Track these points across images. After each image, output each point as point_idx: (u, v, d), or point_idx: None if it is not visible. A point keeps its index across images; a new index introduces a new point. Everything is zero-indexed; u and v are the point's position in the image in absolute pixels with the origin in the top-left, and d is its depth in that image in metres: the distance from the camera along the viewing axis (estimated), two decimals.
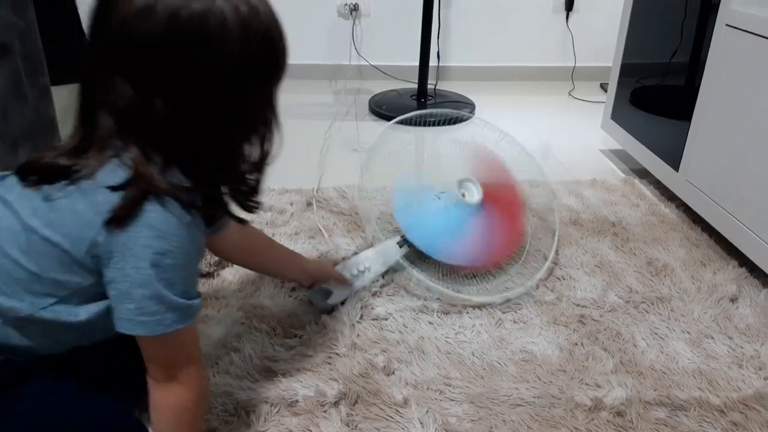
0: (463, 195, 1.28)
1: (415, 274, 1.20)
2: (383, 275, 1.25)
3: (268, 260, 1.10)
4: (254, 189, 0.75)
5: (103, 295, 0.69)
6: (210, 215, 0.74)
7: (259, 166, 0.74)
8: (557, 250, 1.38)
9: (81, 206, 0.65)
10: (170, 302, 0.67)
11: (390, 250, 1.25)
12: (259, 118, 0.71)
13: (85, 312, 0.70)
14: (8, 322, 0.69)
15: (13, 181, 0.71)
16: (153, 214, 0.64)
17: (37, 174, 0.68)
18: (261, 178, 0.75)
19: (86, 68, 0.66)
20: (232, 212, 0.76)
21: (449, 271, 1.25)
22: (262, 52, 0.67)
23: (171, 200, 0.66)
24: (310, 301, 1.16)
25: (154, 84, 0.63)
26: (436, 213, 1.27)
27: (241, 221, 0.79)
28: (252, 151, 0.72)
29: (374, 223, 1.31)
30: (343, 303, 1.16)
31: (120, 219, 0.64)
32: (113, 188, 0.64)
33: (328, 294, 1.14)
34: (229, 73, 0.65)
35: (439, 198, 1.27)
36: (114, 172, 0.65)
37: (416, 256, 1.27)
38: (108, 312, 0.69)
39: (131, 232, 0.64)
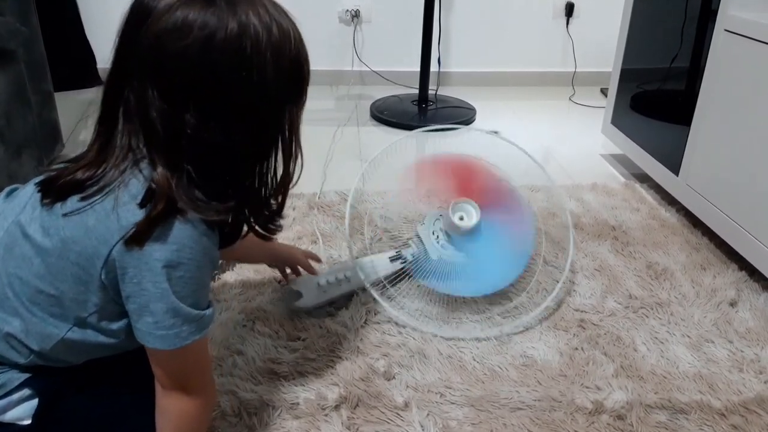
0: (461, 218, 1.20)
1: (387, 307, 1.15)
2: (364, 290, 1.19)
3: (238, 248, 1.08)
4: (276, 212, 0.76)
5: (125, 314, 0.69)
6: (225, 236, 0.73)
7: (282, 189, 0.74)
8: (555, 256, 1.38)
9: (92, 222, 0.65)
10: (185, 315, 0.67)
11: (378, 265, 1.21)
12: (283, 140, 0.71)
13: (110, 331, 0.71)
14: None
15: (24, 198, 0.71)
16: (168, 228, 0.64)
17: (55, 193, 0.67)
18: (283, 202, 0.76)
19: (110, 77, 0.66)
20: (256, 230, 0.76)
21: (462, 300, 1.21)
22: (291, 75, 0.68)
23: (190, 214, 0.65)
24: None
25: (185, 99, 0.63)
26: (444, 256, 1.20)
27: (266, 238, 0.79)
28: (275, 175, 0.73)
29: (347, 223, 1.29)
30: (314, 310, 1.15)
31: (141, 236, 0.63)
32: (137, 205, 0.64)
33: (298, 296, 1.13)
34: (259, 94, 0.65)
35: (437, 238, 1.22)
36: (132, 186, 0.65)
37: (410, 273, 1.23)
38: (131, 329, 0.69)
39: (146, 246, 0.63)
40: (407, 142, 1.33)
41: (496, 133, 1.31)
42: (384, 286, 1.20)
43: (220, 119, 0.64)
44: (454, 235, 1.21)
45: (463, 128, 1.35)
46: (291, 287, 1.14)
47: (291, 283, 1.14)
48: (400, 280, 1.24)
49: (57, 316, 0.69)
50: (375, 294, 1.16)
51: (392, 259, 1.23)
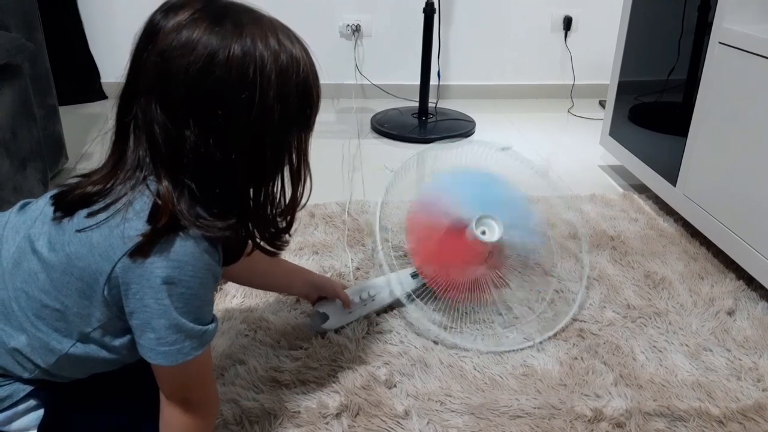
0: (484, 233, 1.21)
1: (413, 314, 1.15)
2: (390, 307, 1.22)
3: (273, 277, 1.11)
4: (283, 231, 0.77)
5: (128, 330, 0.70)
6: (229, 253, 0.74)
7: (289, 210, 0.75)
8: (556, 264, 1.39)
9: (96, 238, 0.65)
10: (188, 330, 0.68)
11: (402, 281, 1.21)
12: (288, 163, 0.72)
13: (112, 347, 0.72)
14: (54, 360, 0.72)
15: (35, 212, 0.72)
16: (170, 244, 0.65)
17: (65, 207, 0.68)
18: (291, 222, 0.77)
19: (122, 93, 0.67)
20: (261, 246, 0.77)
21: (465, 310, 1.21)
22: (298, 101, 0.68)
23: (192, 230, 0.66)
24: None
25: (186, 114, 0.64)
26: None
27: (271, 254, 0.78)
28: (282, 195, 0.74)
29: (378, 239, 1.29)
30: (341, 329, 1.15)
31: (145, 248, 0.64)
32: (142, 221, 0.65)
33: (325, 318, 1.12)
34: (260, 117, 0.66)
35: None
36: (137, 203, 0.66)
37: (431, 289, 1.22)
38: (133, 344, 0.70)
39: (147, 263, 0.64)
40: (427, 154, 1.33)
41: (508, 149, 1.31)
42: (413, 300, 1.19)
43: (219, 137, 0.65)
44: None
45: (479, 142, 1.33)
46: (317, 309, 1.13)
47: (317, 306, 1.13)
48: (425, 295, 1.23)
49: (61, 332, 0.70)
50: (411, 307, 1.15)
51: (413, 276, 1.23)
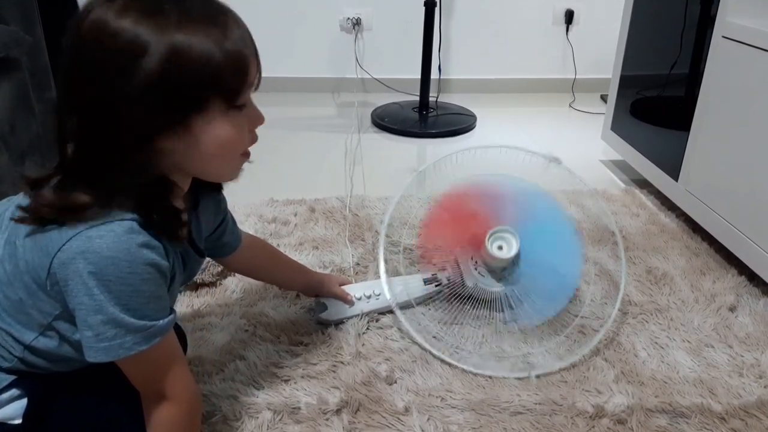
0: (500, 248, 1.14)
1: (405, 324, 1.12)
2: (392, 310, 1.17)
3: (274, 273, 1.14)
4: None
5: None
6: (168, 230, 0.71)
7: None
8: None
9: (39, 232, 0.66)
10: (128, 325, 0.66)
11: (411, 285, 1.19)
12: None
13: (74, 340, 0.71)
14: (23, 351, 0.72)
15: (8, 209, 0.73)
16: (104, 241, 0.64)
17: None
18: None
19: None
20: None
21: (472, 323, 1.17)
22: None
23: (123, 224, 0.65)
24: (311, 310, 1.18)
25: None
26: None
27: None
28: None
29: (382, 241, 1.26)
30: (341, 323, 1.15)
31: (78, 244, 0.64)
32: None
33: (324, 308, 1.14)
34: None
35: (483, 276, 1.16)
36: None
37: (442, 298, 1.19)
38: None
39: (80, 259, 0.63)
40: (456, 158, 1.24)
41: (558, 161, 1.24)
42: (412, 307, 1.17)
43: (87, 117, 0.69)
44: (493, 264, 1.15)
45: (517, 149, 1.24)
46: (318, 299, 1.16)
47: (320, 296, 1.16)
48: (431, 302, 1.21)
49: (23, 323, 0.70)
50: (402, 318, 1.13)
51: (427, 282, 1.20)
